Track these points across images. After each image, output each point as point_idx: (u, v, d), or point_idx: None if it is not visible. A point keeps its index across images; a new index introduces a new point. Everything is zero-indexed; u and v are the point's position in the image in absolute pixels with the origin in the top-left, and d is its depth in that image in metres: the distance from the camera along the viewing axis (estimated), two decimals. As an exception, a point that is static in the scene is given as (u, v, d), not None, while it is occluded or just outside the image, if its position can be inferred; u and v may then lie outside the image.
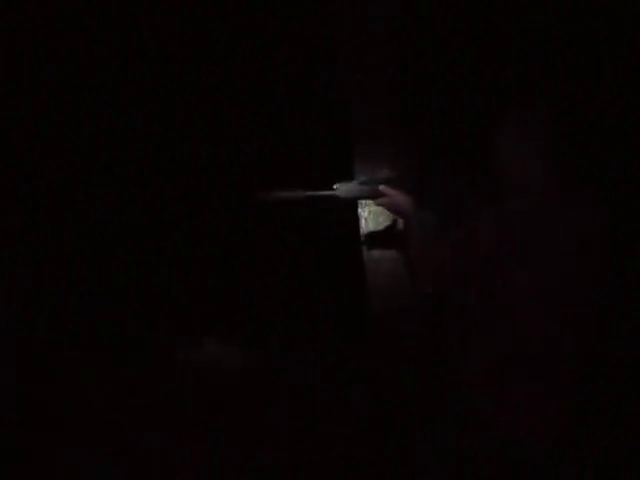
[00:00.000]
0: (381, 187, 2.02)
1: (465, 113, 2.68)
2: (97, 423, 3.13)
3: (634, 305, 2.79)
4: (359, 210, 2.48)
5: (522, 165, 1.82)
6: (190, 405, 3.18)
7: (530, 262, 1.73)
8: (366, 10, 2.47)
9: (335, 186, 2.02)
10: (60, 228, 3.11)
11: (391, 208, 2.03)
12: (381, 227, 2.48)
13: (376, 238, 2.48)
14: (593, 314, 1.81)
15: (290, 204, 1.98)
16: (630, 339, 2.82)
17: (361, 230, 2.50)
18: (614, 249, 1.82)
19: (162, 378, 3.29)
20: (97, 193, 3.04)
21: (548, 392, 1.78)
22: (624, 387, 2.82)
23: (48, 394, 3.25)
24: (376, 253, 2.50)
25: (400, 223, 2.28)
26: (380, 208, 2.09)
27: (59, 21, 2.91)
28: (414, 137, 2.42)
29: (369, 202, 2.33)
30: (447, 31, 2.74)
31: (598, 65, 2.90)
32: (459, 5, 2.78)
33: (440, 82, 2.67)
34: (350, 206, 2.45)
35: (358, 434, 2.89)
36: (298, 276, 2.96)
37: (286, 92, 2.81)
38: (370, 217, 2.48)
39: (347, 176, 2.05)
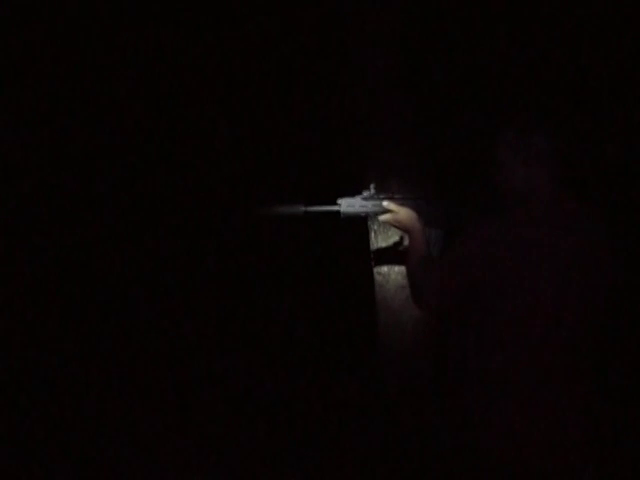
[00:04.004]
0: (385, 203, 2.01)
1: (468, 128, 2.67)
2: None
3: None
4: (369, 223, 2.47)
5: (524, 177, 1.80)
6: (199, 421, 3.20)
7: (532, 272, 1.70)
8: (380, 28, 2.46)
9: (338, 201, 2.02)
10: (62, 232, 3.15)
11: (394, 224, 2.02)
12: (390, 240, 2.46)
13: (385, 251, 2.47)
14: (597, 321, 1.78)
15: (292, 218, 1.98)
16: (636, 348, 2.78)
17: (371, 242, 2.49)
18: (616, 258, 1.80)
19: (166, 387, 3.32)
20: (99, 199, 3.08)
21: (555, 407, 1.76)
22: (630, 400, 2.79)
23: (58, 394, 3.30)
24: (385, 266, 2.48)
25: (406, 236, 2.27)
26: (389, 221, 2.08)
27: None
28: (420, 153, 2.40)
29: (377, 215, 2.32)
30: (452, 48, 2.73)
31: (596, 78, 2.87)
32: (462, 25, 2.78)
33: (445, 99, 2.66)
34: (360, 219, 2.44)
35: (365, 448, 2.88)
36: (307, 288, 2.96)
37: (294, 104, 2.81)
38: (380, 230, 2.47)
39: (351, 191, 2.03)
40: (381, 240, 2.47)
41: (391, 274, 2.48)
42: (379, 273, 2.49)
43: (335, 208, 2.01)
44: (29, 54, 3.07)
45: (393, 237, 2.45)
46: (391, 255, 2.46)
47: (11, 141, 3.12)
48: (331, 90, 2.74)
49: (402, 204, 2.01)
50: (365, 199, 2.02)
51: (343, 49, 2.54)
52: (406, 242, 2.23)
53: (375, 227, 2.47)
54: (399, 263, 2.43)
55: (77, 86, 3.10)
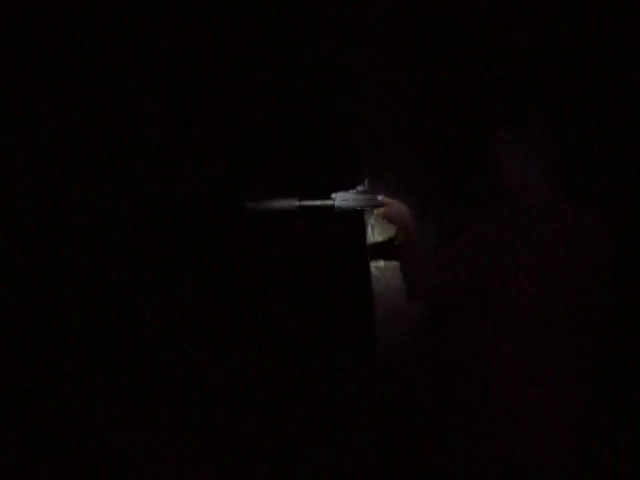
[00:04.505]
0: (379, 197, 2.02)
1: (465, 125, 2.67)
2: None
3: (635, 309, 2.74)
4: (365, 217, 2.47)
5: (521, 175, 1.80)
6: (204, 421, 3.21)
7: (528, 270, 1.71)
8: (380, 26, 2.47)
9: (333, 195, 2.03)
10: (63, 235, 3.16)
11: (388, 218, 2.03)
12: (387, 234, 2.47)
13: (382, 245, 2.48)
14: (595, 320, 1.79)
15: (285, 213, 1.99)
16: (633, 343, 2.77)
17: (367, 236, 2.50)
18: (614, 254, 1.79)
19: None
20: (94, 198, 3.08)
21: (552, 404, 1.76)
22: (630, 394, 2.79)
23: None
24: (382, 260, 2.49)
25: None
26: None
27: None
28: (416, 149, 2.41)
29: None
30: (450, 46, 2.73)
31: (595, 76, 2.86)
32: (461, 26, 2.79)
33: (442, 93, 2.66)
34: (355, 213, 2.44)
35: (363, 447, 2.89)
36: (304, 283, 2.96)
37: (290, 97, 2.80)
38: (377, 224, 2.47)
39: (345, 185, 2.04)
40: (378, 234, 2.48)
41: (388, 268, 2.49)
42: (376, 267, 2.49)
43: (329, 202, 2.02)
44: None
45: (390, 231, 2.44)
46: (388, 249, 2.46)
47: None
48: (327, 84, 2.74)
49: (397, 198, 2.02)
50: (359, 193, 2.03)
51: (342, 45, 2.54)
52: (401, 237, 2.24)
53: (372, 221, 2.47)
54: (396, 257, 2.43)
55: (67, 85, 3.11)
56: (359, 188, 2.03)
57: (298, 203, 1.99)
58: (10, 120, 3.15)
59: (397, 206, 2.00)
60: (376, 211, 2.03)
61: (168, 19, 3.03)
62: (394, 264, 2.46)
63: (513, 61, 2.89)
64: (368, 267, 2.50)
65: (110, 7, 2.98)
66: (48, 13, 3.00)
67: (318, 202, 2.02)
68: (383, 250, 2.47)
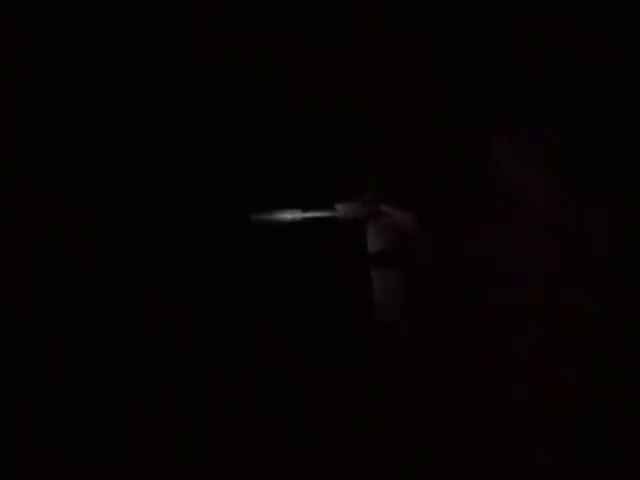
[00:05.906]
0: (382, 206, 2.02)
1: (465, 126, 2.66)
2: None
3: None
4: (367, 226, 2.47)
5: (520, 178, 1.81)
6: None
7: (531, 272, 1.72)
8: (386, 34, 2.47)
9: (336, 206, 2.03)
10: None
11: (393, 227, 2.04)
12: (389, 243, 2.47)
13: (383, 254, 2.48)
14: (597, 324, 1.80)
15: (288, 225, 2.00)
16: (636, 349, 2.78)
17: (369, 246, 2.50)
18: (617, 258, 1.80)
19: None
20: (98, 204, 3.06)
21: (552, 406, 1.77)
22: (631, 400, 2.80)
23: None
24: (383, 269, 2.49)
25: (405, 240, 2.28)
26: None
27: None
28: (417, 156, 2.41)
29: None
30: (450, 50, 2.72)
31: (596, 78, 2.86)
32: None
33: (443, 98, 2.65)
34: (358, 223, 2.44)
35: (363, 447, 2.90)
36: (305, 293, 2.96)
37: (293, 105, 2.79)
38: (378, 233, 2.47)
39: (348, 196, 2.04)
40: (379, 244, 2.48)
41: (389, 277, 2.49)
42: (377, 276, 2.50)
43: (333, 213, 2.03)
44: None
45: (391, 240, 2.45)
46: (389, 258, 2.47)
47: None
48: (330, 93, 2.73)
49: (399, 208, 2.02)
50: (362, 203, 2.03)
51: (348, 59, 2.54)
52: (404, 245, 2.24)
53: (373, 231, 2.47)
54: (397, 266, 2.44)
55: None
56: (362, 198, 2.04)
57: (302, 214, 1.99)
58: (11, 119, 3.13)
59: (399, 215, 2.01)
60: (380, 220, 2.03)
61: (166, 14, 3.00)
62: (395, 272, 2.47)
63: (512, 62, 2.89)
64: (369, 276, 2.51)
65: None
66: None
67: (322, 213, 2.02)
68: (385, 259, 2.48)
